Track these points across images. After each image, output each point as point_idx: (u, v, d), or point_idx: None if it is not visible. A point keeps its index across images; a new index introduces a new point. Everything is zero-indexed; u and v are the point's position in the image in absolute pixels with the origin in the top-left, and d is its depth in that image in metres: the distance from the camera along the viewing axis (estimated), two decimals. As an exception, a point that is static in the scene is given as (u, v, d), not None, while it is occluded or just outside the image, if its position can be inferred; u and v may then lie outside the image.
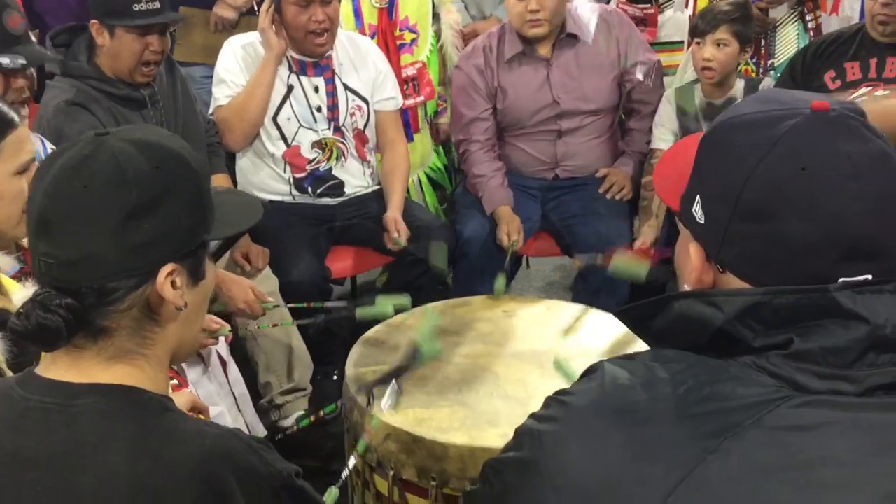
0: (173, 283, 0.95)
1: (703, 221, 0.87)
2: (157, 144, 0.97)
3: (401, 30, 3.08)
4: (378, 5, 3.07)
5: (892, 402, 0.78)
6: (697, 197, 0.88)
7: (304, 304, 2.39)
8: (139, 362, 0.97)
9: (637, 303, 0.91)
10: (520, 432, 0.90)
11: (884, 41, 2.41)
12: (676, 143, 1.11)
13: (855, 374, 0.78)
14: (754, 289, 0.82)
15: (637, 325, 0.92)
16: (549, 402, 0.90)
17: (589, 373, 0.91)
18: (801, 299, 0.79)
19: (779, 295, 0.80)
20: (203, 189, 0.99)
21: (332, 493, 1.56)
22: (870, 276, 0.80)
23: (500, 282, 2.30)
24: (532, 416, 0.91)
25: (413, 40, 3.09)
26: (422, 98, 3.12)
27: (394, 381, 1.81)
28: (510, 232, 2.78)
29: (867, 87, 2.40)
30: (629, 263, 1.97)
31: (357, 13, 3.07)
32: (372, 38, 3.05)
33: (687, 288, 0.90)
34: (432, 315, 2.00)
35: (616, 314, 0.95)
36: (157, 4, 2.35)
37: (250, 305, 2.28)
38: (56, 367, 0.95)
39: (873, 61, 2.42)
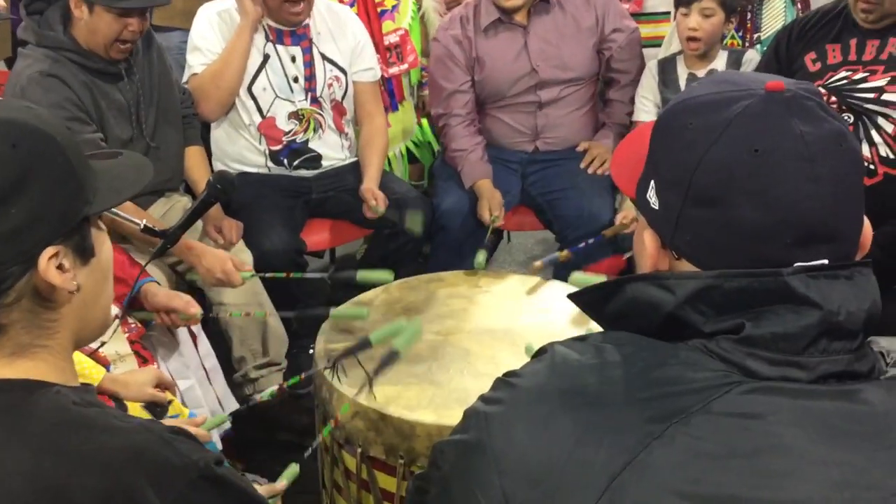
0: (60, 267, 0.90)
1: (657, 207, 0.85)
2: (10, 121, 0.89)
3: None
4: None
5: (843, 391, 0.76)
6: (652, 182, 0.86)
7: (283, 275, 2.35)
8: (42, 354, 0.92)
9: (590, 286, 0.89)
10: (468, 414, 0.89)
11: (865, 25, 2.38)
12: (634, 130, 1.09)
13: (806, 360, 0.76)
14: (706, 272, 0.80)
15: (591, 308, 0.90)
16: (498, 383, 0.89)
17: (539, 353, 0.89)
18: (752, 283, 0.77)
19: (730, 278, 0.78)
20: (74, 160, 0.92)
21: (293, 469, 1.54)
22: (826, 261, 0.78)
23: (480, 257, 2.27)
24: (480, 397, 0.89)
25: (394, 6, 3.03)
26: (406, 66, 3.06)
27: (365, 373, 1.77)
28: (492, 207, 2.75)
29: (847, 70, 2.37)
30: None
31: None
32: (352, 5, 2.99)
33: None
34: (416, 324, 1.95)
35: (570, 297, 0.93)
36: None
37: (228, 275, 2.24)
38: None
39: (853, 42, 2.38)
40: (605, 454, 0.74)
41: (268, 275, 2.34)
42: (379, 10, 3.02)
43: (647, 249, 0.87)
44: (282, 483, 1.51)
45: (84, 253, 0.94)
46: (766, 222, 0.77)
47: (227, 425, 1.99)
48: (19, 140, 0.88)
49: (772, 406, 0.74)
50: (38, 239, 0.89)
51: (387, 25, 3.02)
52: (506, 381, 0.87)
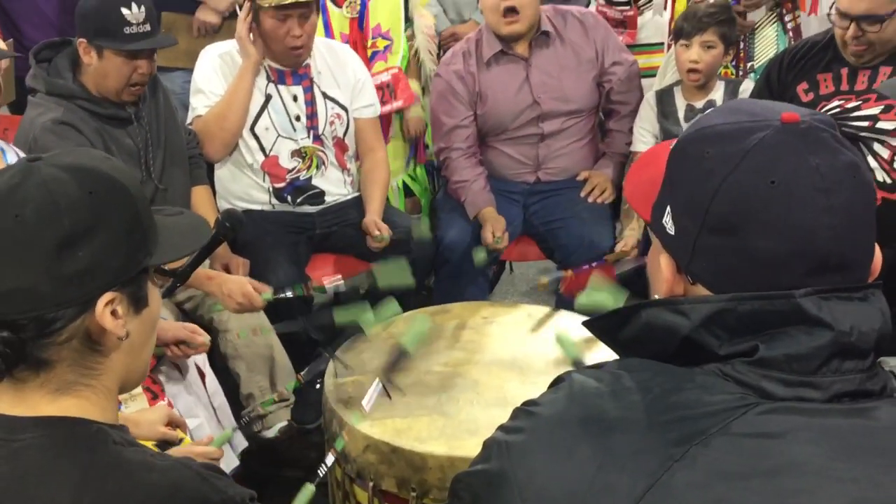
0: (114, 313, 0.93)
1: (673, 233, 0.86)
2: (89, 168, 0.94)
3: (373, 37, 3.06)
4: (349, 15, 3.05)
5: (857, 409, 0.78)
6: (668, 208, 0.87)
7: (303, 293, 2.34)
8: (85, 393, 0.94)
9: (604, 313, 0.90)
10: (488, 444, 0.90)
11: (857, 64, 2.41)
12: (647, 151, 1.11)
13: (820, 380, 0.78)
14: (720, 296, 0.81)
15: (605, 334, 0.91)
16: (517, 412, 0.90)
17: (556, 383, 0.90)
18: (765, 305, 0.79)
19: (744, 301, 0.79)
20: (141, 213, 0.96)
21: (308, 489, 1.55)
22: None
23: (480, 254, 2.32)
24: (500, 427, 0.90)
25: (386, 47, 3.08)
26: (399, 103, 3.10)
27: (377, 380, 1.79)
28: (495, 230, 2.77)
29: (839, 100, 2.41)
30: (594, 296, 1.97)
31: (326, 25, 3.03)
32: None
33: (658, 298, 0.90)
34: (422, 321, 1.98)
35: (585, 324, 0.94)
36: (148, 27, 2.31)
37: (249, 297, 2.26)
38: (0, 403, 0.93)
39: (844, 72, 2.41)
40: (628, 479, 0.76)
41: (287, 293, 2.33)
42: (370, 51, 3.07)
43: (664, 274, 0.88)
44: None
45: (138, 302, 0.97)
46: (782, 252, 0.79)
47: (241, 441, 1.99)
48: (97, 188, 0.92)
49: (789, 425, 0.75)
50: (99, 284, 0.92)
51: (378, 66, 3.06)
52: (525, 411, 0.88)
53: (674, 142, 0.92)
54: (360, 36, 3.05)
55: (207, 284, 2.32)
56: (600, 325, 0.91)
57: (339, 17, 3.05)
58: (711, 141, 0.84)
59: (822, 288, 0.78)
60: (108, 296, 0.92)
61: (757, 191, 0.79)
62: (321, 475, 1.65)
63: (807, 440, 0.75)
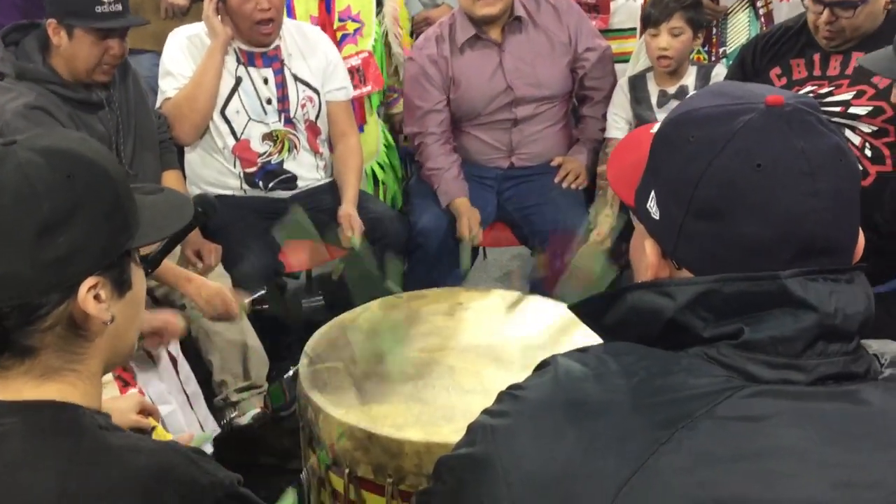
0: (97, 297, 0.91)
1: (657, 218, 0.86)
2: (67, 151, 0.91)
3: (341, 20, 3.02)
4: None
5: (841, 391, 0.78)
6: (652, 192, 0.87)
7: (268, 305, 2.34)
8: (70, 378, 0.93)
9: (589, 296, 0.90)
10: (472, 428, 0.89)
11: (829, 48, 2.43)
12: (628, 135, 1.09)
13: (804, 363, 0.78)
14: (705, 277, 0.81)
15: (590, 318, 0.91)
16: (502, 396, 0.89)
17: (541, 367, 0.90)
18: (751, 286, 0.79)
19: (729, 283, 0.79)
20: (121, 195, 0.94)
21: (290, 495, 1.54)
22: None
23: (465, 259, 2.37)
24: (485, 411, 0.90)
25: (357, 30, 3.04)
26: (368, 88, 3.07)
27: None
28: (471, 225, 2.76)
29: (812, 85, 2.43)
30: (587, 256, 1.97)
31: (289, 7, 2.93)
32: None
33: None
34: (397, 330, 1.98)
35: (570, 308, 0.93)
36: (119, 7, 2.27)
37: (227, 307, 2.27)
38: None
39: (817, 57, 2.43)
40: (614, 462, 0.76)
41: (265, 305, 2.33)
42: (340, 34, 3.03)
43: (649, 259, 0.88)
44: None
45: (122, 286, 0.95)
46: (768, 236, 0.79)
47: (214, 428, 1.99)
48: (75, 171, 0.90)
49: (774, 408, 0.76)
50: (80, 269, 0.90)
51: (348, 49, 3.03)
52: (511, 394, 0.88)
53: (656, 125, 0.91)
54: (327, 18, 3.01)
55: (186, 286, 2.31)
56: (585, 309, 0.90)
57: (303, 1, 3.01)
58: (696, 124, 0.84)
59: (808, 269, 0.79)
60: (90, 280, 0.90)
61: (743, 175, 0.79)
62: (303, 479, 1.64)
63: (792, 423, 0.75)
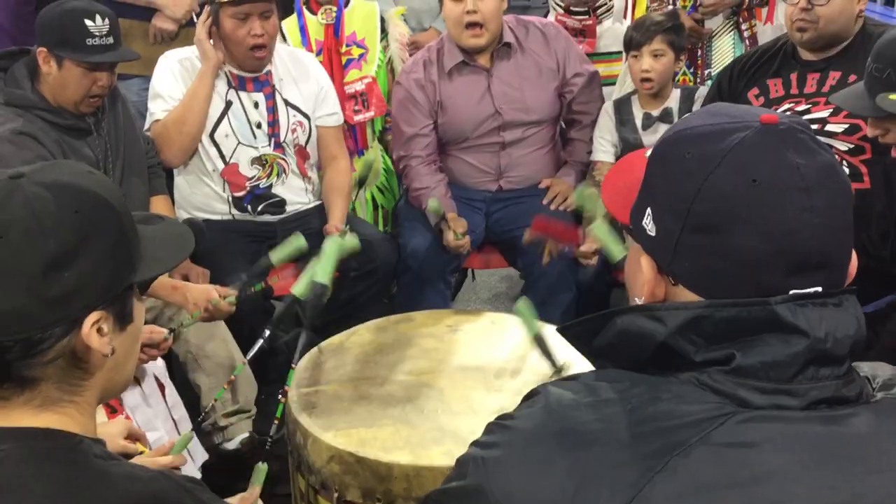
0: (100, 331, 0.91)
1: (654, 234, 0.86)
2: (73, 187, 0.92)
3: (347, 45, 3.07)
4: (324, 21, 3.05)
5: (833, 416, 0.78)
6: (648, 209, 0.87)
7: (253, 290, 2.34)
8: (68, 410, 0.93)
9: (579, 319, 0.90)
10: (462, 460, 0.88)
11: (805, 58, 2.45)
12: (621, 160, 1.10)
13: (796, 387, 0.78)
14: (696, 302, 0.82)
15: (579, 341, 0.91)
16: (491, 427, 0.89)
17: (530, 396, 0.89)
18: (741, 312, 0.79)
19: (720, 308, 0.80)
20: (126, 230, 0.95)
21: (261, 469, 1.59)
22: (819, 289, 0.80)
23: (433, 203, 2.51)
24: (474, 443, 0.89)
25: (361, 55, 3.08)
26: (371, 113, 3.10)
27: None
28: (455, 228, 2.75)
29: (789, 103, 2.45)
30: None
31: (303, 30, 3.05)
32: (318, 54, 3.03)
33: (638, 301, 0.90)
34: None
35: (559, 331, 0.93)
36: (111, 40, 2.28)
37: (217, 305, 2.23)
38: None
39: (794, 76, 2.46)
40: (608, 492, 0.75)
41: (251, 289, 2.31)
42: (345, 59, 3.07)
43: (645, 275, 0.88)
44: (255, 489, 1.51)
45: (123, 319, 0.95)
46: (764, 251, 0.79)
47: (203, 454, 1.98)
48: (81, 206, 0.90)
49: (767, 434, 0.76)
50: (85, 304, 0.90)
51: (352, 74, 3.06)
52: (500, 425, 0.87)
53: (649, 150, 0.92)
54: (334, 43, 3.06)
55: (173, 295, 2.29)
56: (574, 332, 0.90)
57: (315, 24, 3.06)
58: (692, 142, 0.84)
59: (798, 294, 0.79)
60: (94, 315, 0.91)
61: (739, 190, 0.80)
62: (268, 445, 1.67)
63: (785, 449, 0.75)
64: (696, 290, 0.83)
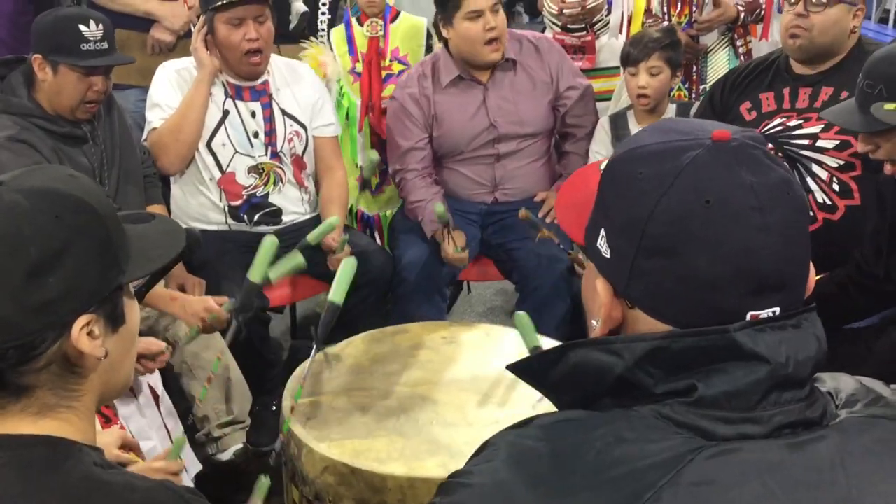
0: (90, 334, 0.90)
1: (608, 256, 0.84)
2: (53, 191, 0.91)
3: (390, 60, 3.10)
4: (369, 34, 3.08)
5: (798, 442, 0.77)
6: (602, 231, 0.85)
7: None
8: (66, 415, 0.92)
9: (529, 356, 0.88)
10: None
11: (798, 72, 2.46)
12: (576, 172, 1.07)
13: (760, 414, 0.77)
14: (653, 333, 0.80)
15: (532, 378, 0.88)
16: (451, 486, 0.82)
17: (483, 450, 0.84)
18: (700, 342, 0.77)
19: (678, 339, 0.78)
20: (111, 231, 0.94)
21: (263, 483, 1.57)
22: (777, 310, 0.79)
23: (439, 208, 2.52)
24: None
25: (401, 72, 3.09)
26: None
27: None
28: (455, 241, 2.77)
29: (781, 118, 2.46)
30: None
31: (350, 40, 3.09)
32: (356, 73, 3.07)
33: (595, 324, 0.87)
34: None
35: (509, 368, 0.89)
36: (106, 45, 2.30)
37: (212, 311, 2.23)
38: None
39: (786, 91, 2.46)
40: None
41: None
42: (385, 73, 3.11)
43: (601, 298, 0.85)
44: (256, 503, 1.50)
45: (115, 321, 0.95)
46: (720, 273, 0.77)
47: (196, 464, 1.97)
48: (63, 211, 0.89)
49: (735, 468, 0.74)
50: (72, 308, 0.89)
51: (389, 89, 3.07)
52: (460, 483, 0.81)
53: (603, 162, 0.90)
54: (376, 56, 3.09)
55: (171, 305, 2.30)
56: (525, 368, 0.87)
57: (361, 35, 3.09)
58: (643, 161, 0.82)
59: (757, 318, 0.78)
60: (83, 319, 0.90)
61: (692, 211, 0.78)
62: (272, 461, 1.64)
63: (754, 480, 0.74)
64: (653, 314, 0.82)
